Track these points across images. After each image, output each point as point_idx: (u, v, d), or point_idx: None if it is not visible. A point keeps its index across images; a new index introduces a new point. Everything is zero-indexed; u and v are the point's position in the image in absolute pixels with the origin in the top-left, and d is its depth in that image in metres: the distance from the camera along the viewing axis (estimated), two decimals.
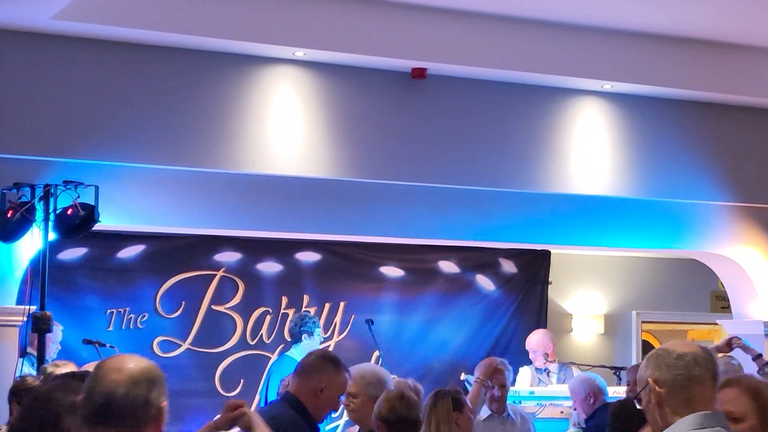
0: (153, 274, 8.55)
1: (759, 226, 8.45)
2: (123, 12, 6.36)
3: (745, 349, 6.87)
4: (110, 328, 8.38)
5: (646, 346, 10.96)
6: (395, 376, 5.97)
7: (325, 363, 4.31)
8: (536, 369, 8.36)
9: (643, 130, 7.95)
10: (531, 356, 8.51)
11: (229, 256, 8.81)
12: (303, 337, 7.79)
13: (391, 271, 9.38)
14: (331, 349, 9.09)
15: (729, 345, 6.74)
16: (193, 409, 8.33)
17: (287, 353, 7.89)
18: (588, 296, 10.25)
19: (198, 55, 6.79)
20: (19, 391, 4.81)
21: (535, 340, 8.50)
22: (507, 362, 6.35)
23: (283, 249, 8.91)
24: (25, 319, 6.62)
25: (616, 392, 7.15)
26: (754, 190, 8.27)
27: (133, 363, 2.69)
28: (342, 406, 4.72)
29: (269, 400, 7.28)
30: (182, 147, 6.80)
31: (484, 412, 6.08)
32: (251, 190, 7.20)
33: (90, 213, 6.35)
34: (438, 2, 6.95)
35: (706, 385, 2.83)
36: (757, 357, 6.79)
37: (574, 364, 8.69)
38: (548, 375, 8.27)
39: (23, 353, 6.87)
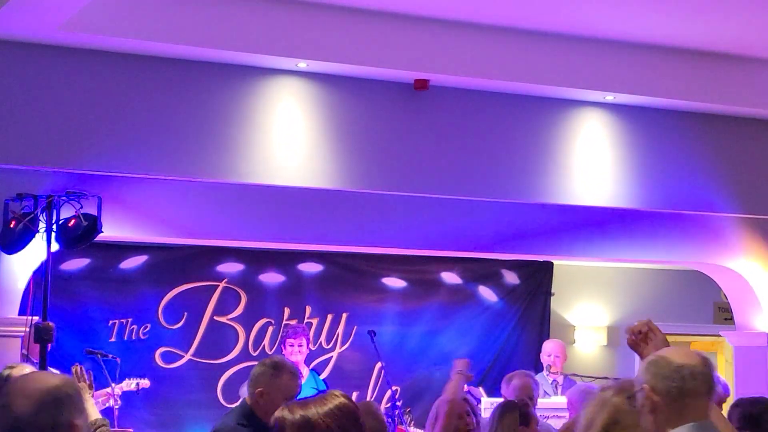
0: (155, 284, 8.57)
1: (762, 238, 8.45)
2: (127, 23, 6.37)
3: None
4: (113, 339, 8.39)
5: None
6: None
7: (263, 367, 4.50)
8: (547, 377, 8.35)
9: (646, 142, 7.95)
10: (545, 360, 8.53)
11: (231, 267, 8.83)
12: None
13: (394, 282, 9.39)
14: (333, 360, 9.10)
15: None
16: (195, 420, 8.34)
17: None
18: (591, 307, 10.24)
19: (201, 66, 6.81)
20: None
21: (551, 346, 8.57)
22: (533, 374, 6.28)
23: (285, 260, 8.92)
24: (27, 329, 6.63)
25: None
26: (757, 202, 8.26)
27: (41, 383, 2.65)
28: None
29: None
30: (185, 158, 6.81)
31: None
32: (254, 200, 7.21)
33: (93, 224, 6.36)
34: (440, 14, 6.97)
35: (701, 399, 2.85)
36: None
37: (577, 375, 8.69)
38: (556, 387, 8.27)
39: (25, 357, 6.88)
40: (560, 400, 7.68)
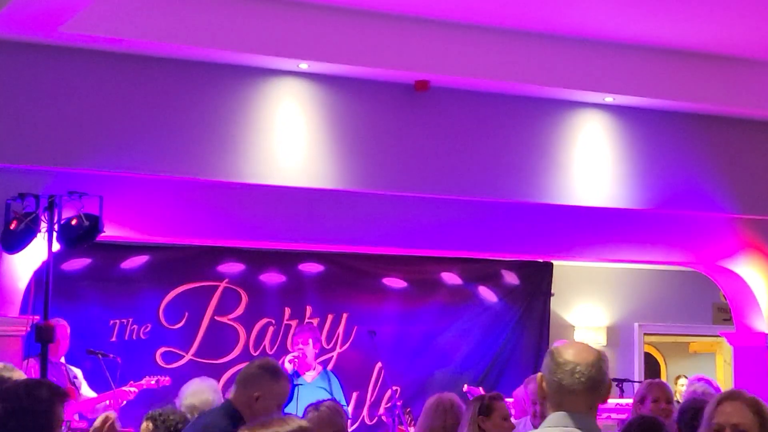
0: (156, 284, 8.58)
1: (761, 238, 8.46)
2: (128, 23, 6.39)
3: None
4: (113, 339, 8.40)
5: (649, 358, 10.97)
6: None
7: (262, 372, 4.32)
8: None
9: (645, 143, 7.97)
10: None
11: (232, 267, 8.84)
12: None
13: (394, 283, 9.41)
14: (333, 360, 9.11)
15: None
16: None
17: None
18: (590, 308, 10.25)
19: (203, 66, 6.83)
20: None
21: None
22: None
23: (286, 260, 8.93)
24: (28, 329, 6.64)
25: (618, 404, 7.15)
26: (755, 202, 8.28)
27: None
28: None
29: None
30: (186, 158, 6.83)
31: (525, 426, 5.73)
32: (255, 201, 7.22)
33: (94, 223, 6.37)
34: (441, 15, 6.98)
35: (578, 394, 3.04)
36: None
37: None
38: None
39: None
40: None
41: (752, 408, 3.36)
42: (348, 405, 9.13)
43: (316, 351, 7.95)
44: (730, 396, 3.44)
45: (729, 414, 3.34)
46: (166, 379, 7.70)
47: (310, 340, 7.83)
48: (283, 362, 7.71)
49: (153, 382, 7.66)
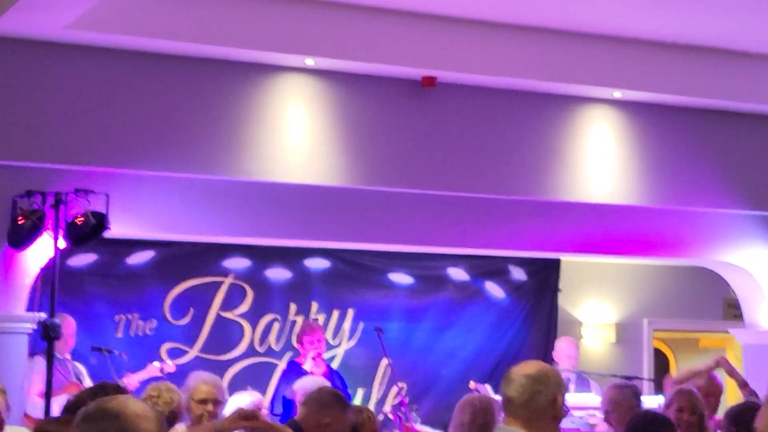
0: (162, 280, 8.55)
1: None
2: (135, 21, 6.36)
3: (731, 373, 6.32)
4: (119, 335, 8.38)
5: (658, 355, 10.91)
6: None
7: (335, 401, 4.63)
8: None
9: (653, 138, 7.93)
10: (558, 358, 8.57)
11: (237, 263, 8.81)
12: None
13: (401, 279, 9.36)
14: (339, 356, 9.09)
15: (717, 363, 6.21)
16: None
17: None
18: (599, 304, 10.21)
19: (208, 63, 6.80)
20: None
21: (567, 345, 8.61)
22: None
23: (292, 256, 8.89)
24: (34, 326, 6.63)
25: None
26: (765, 198, 8.23)
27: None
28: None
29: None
30: (192, 155, 6.80)
31: None
32: (260, 197, 7.19)
33: (100, 221, 6.36)
34: (448, 11, 6.94)
35: (513, 404, 3.16)
36: (743, 385, 6.20)
37: (585, 373, 8.68)
38: (567, 384, 8.28)
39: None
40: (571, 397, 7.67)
41: None
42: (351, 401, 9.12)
43: (325, 348, 7.97)
44: None
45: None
46: (170, 366, 7.70)
47: (323, 335, 7.91)
48: (305, 360, 7.69)
49: (156, 365, 7.66)
